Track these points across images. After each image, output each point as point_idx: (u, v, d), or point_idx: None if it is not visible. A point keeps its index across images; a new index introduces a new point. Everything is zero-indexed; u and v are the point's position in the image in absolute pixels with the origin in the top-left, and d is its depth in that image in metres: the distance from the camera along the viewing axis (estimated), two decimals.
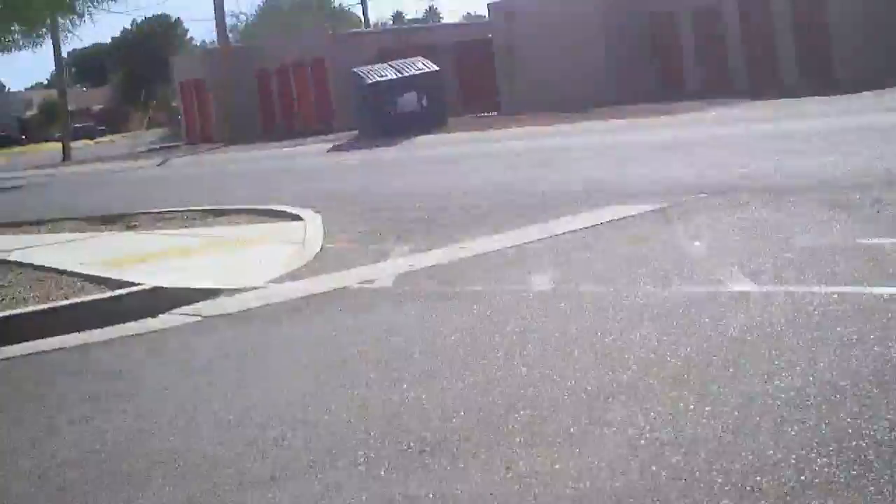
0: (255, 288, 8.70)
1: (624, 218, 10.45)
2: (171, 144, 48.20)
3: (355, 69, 31.63)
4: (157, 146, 48.09)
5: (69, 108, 73.12)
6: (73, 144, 57.27)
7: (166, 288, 8.65)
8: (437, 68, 31.49)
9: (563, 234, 9.96)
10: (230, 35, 60.40)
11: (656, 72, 33.55)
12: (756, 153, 14.57)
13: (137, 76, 77.13)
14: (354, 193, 15.90)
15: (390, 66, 31.41)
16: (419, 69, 31.02)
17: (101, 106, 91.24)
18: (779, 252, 7.91)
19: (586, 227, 10.15)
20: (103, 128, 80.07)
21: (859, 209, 9.33)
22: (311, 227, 11.63)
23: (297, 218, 12.48)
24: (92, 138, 72.47)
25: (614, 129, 22.99)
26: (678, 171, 13.59)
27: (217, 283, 8.93)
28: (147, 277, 9.18)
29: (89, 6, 26.71)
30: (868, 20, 28.53)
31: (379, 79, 30.40)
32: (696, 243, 8.75)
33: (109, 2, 46.16)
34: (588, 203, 11.68)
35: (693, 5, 32.38)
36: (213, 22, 56.23)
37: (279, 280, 9.00)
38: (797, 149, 14.51)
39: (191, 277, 9.33)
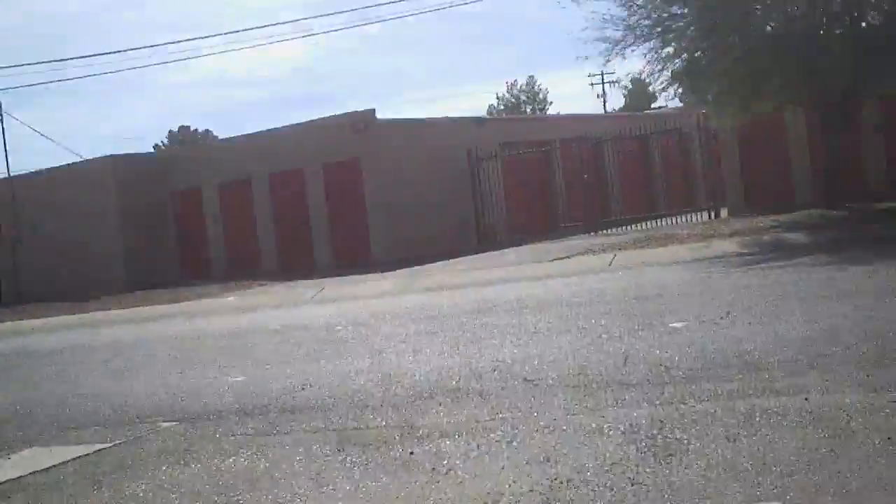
0: None
1: (32, 474, 6.49)
2: None
3: None
4: None
5: None
6: None
7: None
8: None
9: None
10: None
11: (180, 255, 30.04)
12: (279, 353, 11.18)
13: None
14: None
15: None
16: None
17: None
18: None
19: None
20: None
21: (390, 448, 6.05)
22: None
23: None
24: None
25: (120, 320, 18.95)
26: (161, 384, 9.83)
27: None
28: None
29: None
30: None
31: None
32: None
33: None
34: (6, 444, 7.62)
35: (219, 182, 29.26)
36: None
37: None
38: (321, 347, 11.28)
39: None
